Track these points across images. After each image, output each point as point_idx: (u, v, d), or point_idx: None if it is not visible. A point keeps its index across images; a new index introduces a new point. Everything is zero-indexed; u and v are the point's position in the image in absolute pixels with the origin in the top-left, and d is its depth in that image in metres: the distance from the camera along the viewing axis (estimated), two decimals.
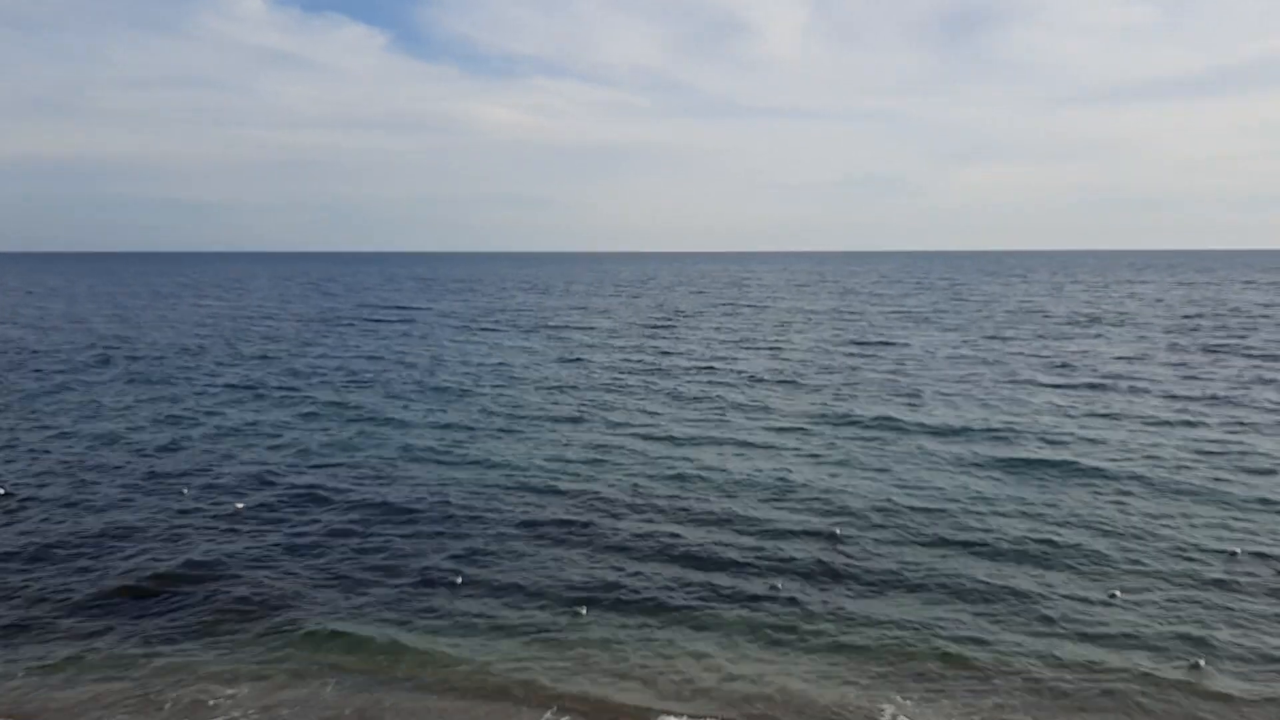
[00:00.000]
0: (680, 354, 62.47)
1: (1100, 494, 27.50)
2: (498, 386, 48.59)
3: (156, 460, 33.01)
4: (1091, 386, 46.64)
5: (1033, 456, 32.01)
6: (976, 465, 31.03)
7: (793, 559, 22.55)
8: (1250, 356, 57.70)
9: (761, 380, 50.25)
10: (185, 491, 28.49)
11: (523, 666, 17.25)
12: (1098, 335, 72.86)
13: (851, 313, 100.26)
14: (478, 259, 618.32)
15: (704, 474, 30.29)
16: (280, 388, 48.64)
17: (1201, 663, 17.06)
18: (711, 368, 55.31)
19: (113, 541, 24.29)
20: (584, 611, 19.76)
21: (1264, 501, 26.44)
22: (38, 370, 54.88)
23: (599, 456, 32.82)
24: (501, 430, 37.42)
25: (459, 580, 21.32)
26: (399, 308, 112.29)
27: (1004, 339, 70.82)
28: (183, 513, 26.78)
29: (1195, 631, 18.35)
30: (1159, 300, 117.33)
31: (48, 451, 34.11)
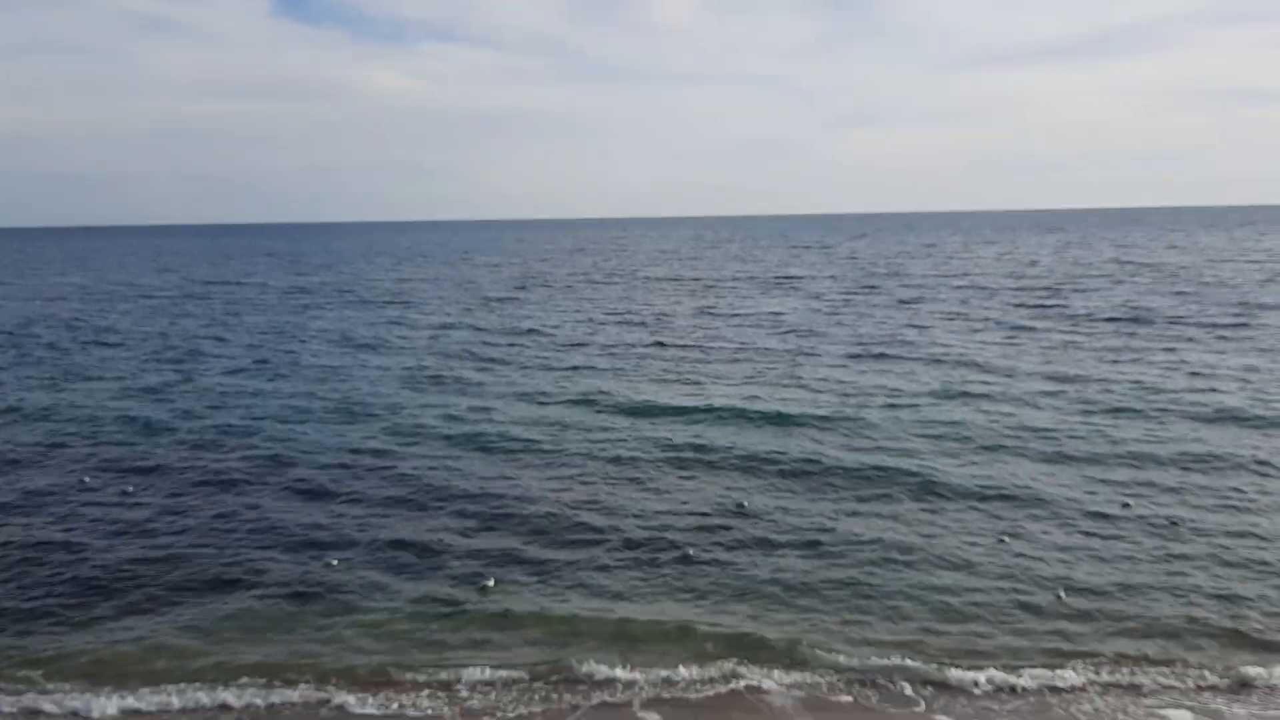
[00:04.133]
0: (547, 326, 64.16)
1: (984, 454, 30.25)
2: (356, 365, 49.70)
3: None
4: (938, 358, 49.22)
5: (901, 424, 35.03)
6: (847, 437, 33.40)
7: (693, 525, 24.73)
8: (1106, 320, 61.28)
9: (629, 352, 52.26)
10: (87, 480, 29.14)
11: (431, 638, 18.89)
12: (962, 300, 76.20)
13: (720, 280, 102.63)
14: (368, 229, 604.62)
15: (569, 444, 32.14)
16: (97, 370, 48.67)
17: (1062, 594, 20.15)
18: (578, 342, 56.93)
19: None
20: (492, 584, 21.05)
21: (1129, 458, 29.63)
22: None
23: (468, 429, 34.40)
24: (365, 406, 38.79)
25: (334, 562, 22.50)
26: (236, 283, 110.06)
27: (864, 306, 73.54)
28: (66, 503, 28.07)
29: (1062, 571, 21.52)
30: (1032, 261, 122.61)
31: None
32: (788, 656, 17.90)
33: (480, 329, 62.28)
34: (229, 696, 16.76)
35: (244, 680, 17.28)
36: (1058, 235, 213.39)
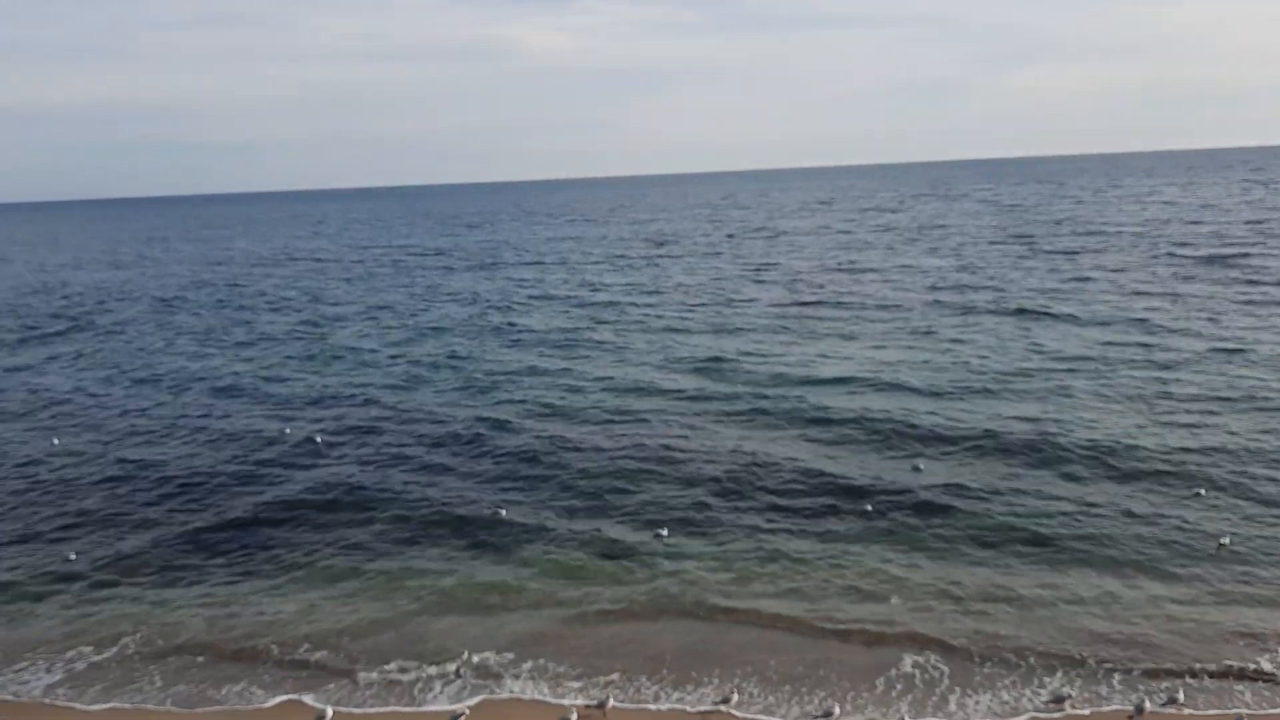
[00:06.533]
0: (683, 285, 64.62)
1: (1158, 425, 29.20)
2: (498, 330, 51.37)
3: (219, 402, 37.72)
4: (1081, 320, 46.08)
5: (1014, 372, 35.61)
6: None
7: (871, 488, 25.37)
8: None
9: (764, 312, 52.28)
10: (287, 431, 32.33)
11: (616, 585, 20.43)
12: (1128, 251, 70.65)
13: (866, 233, 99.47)
14: (523, 188, 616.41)
15: (705, 408, 33.03)
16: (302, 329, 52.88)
17: (1226, 541, 20.84)
18: (708, 302, 57.49)
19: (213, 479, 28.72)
20: (665, 533, 22.68)
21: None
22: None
23: (593, 394, 35.88)
24: (524, 365, 40.84)
25: (502, 513, 24.25)
26: (388, 246, 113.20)
27: (1018, 259, 69.85)
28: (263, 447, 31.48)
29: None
30: (1208, 205, 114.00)
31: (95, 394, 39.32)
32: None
33: (616, 289, 62.38)
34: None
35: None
36: (1241, 174, 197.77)
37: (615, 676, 17.06)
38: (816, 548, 21.63)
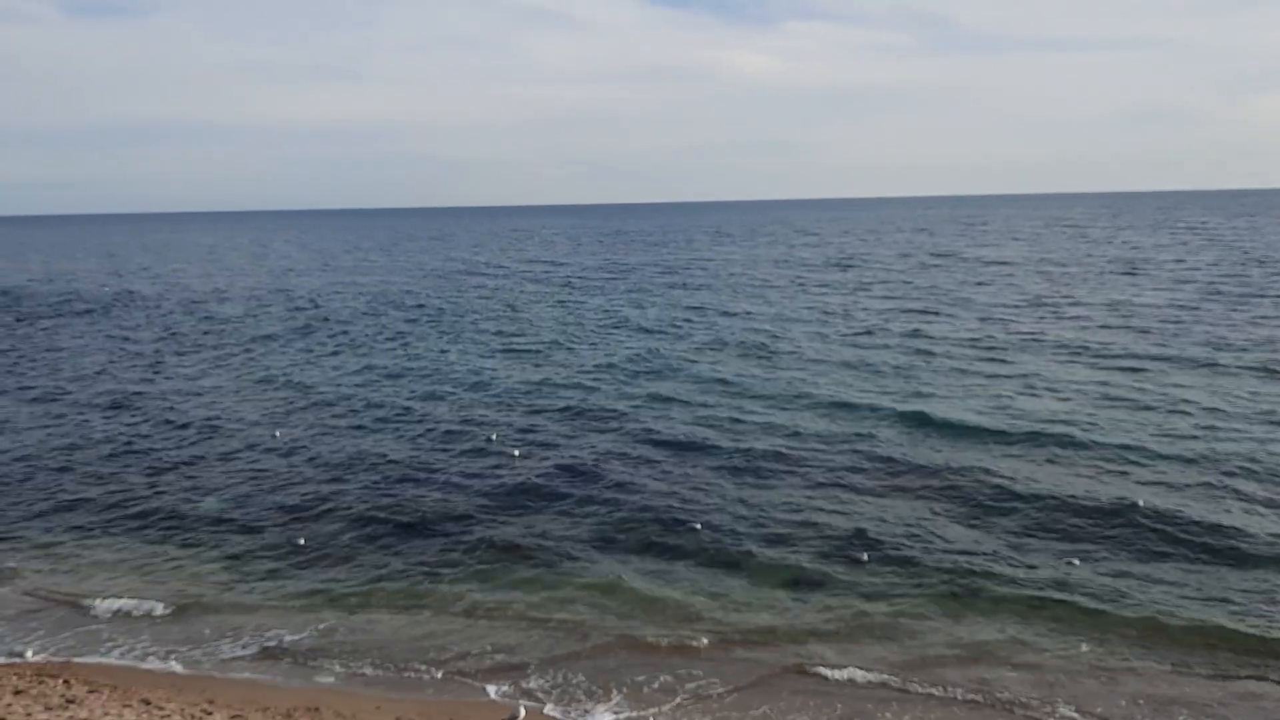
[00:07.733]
0: (852, 311, 64.02)
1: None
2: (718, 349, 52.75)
3: (436, 407, 40.57)
4: None
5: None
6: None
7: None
8: None
9: (934, 347, 51.01)
10: (493, 438, 34.88)
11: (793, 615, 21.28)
12: None
13: (1069, 264, 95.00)
14: (726, 208, 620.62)
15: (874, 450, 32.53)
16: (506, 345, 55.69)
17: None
18: (871, 330, 57.21)
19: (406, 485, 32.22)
20: (865, 558, 23.21)
21: None
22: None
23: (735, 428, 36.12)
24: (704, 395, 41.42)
25: (698, 526, 25.76)
26: (561, 263, 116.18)
27: (1237, 301, 64.94)
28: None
29: None
30: None
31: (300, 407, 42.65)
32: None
33: (793, 320, 62.90)
34: None
35: None
36: None
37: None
38: (968, 627, 20.36)
